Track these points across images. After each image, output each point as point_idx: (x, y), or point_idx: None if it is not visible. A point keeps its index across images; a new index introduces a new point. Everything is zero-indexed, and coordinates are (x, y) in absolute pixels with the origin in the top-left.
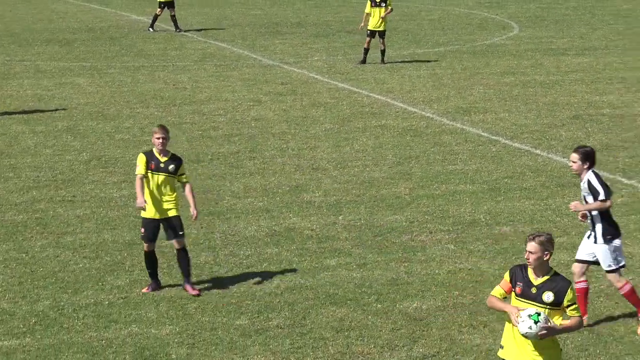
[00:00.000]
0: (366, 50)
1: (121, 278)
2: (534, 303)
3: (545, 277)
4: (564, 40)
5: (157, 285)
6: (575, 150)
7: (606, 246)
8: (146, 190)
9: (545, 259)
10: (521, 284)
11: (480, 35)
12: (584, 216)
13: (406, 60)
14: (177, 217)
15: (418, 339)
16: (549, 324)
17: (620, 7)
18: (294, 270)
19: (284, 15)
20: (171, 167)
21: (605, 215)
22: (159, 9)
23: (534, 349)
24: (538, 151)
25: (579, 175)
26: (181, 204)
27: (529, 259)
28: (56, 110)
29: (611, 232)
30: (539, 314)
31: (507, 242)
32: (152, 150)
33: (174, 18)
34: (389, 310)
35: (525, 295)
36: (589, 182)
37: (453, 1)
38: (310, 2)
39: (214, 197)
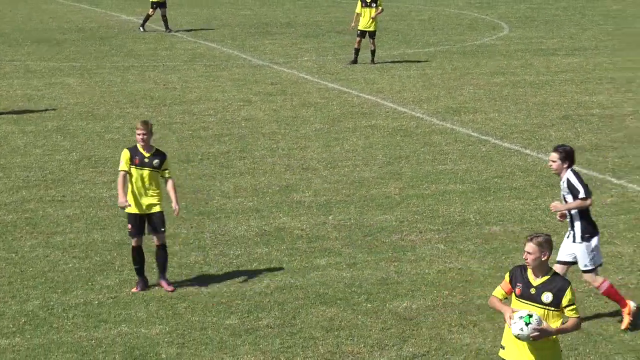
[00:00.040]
0: (357, 51)
1: (111, 278)
2: (534, 304)
3: (545, 278)
4: (554, 40)
5: (144, 282)
6: (555, 150)
7: (584, 245)
8: (131, 186)
9: (543, 259)
10: (521, 284)
11: (471, 35)
12: (563, 216)
13: (396, 60)
14: (161, 213)
15: (408, 338)
16: (543, 325)
17: (610, 8)
18: (283, 270)
19: (274, 16)
20: (155, 161)
21: (584, 214)
22: (151, 10)
23: (533, 349)
24: (528, 151)
25: (558, 174)
26: (166, 204)
27: (527, 260)
28: (46, 110)
29: (589, 230)
30: (531, 316)
31: (497, 242)
32: (136, 145)
33: (164, 18)
34: (379, 309)
35: (524, 296)
36: (569, 181)
37: (443, 1)
38: (300, 3)
39: (204, 197)
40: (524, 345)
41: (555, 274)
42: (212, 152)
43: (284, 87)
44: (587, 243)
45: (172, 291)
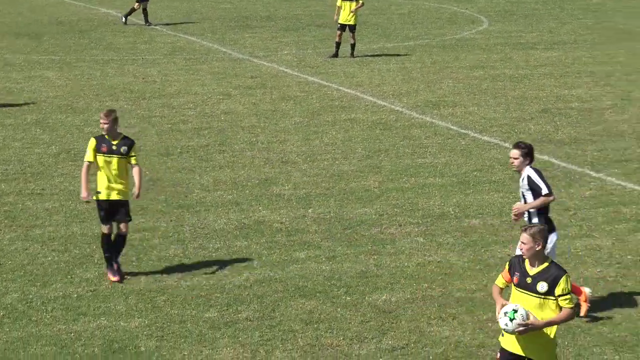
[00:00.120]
0: (338, 44)
1: (90, 271)
2: (530, 293)
3: (541, 267)
4: (533, 34)
5: (116, 270)
6: (516, 147)
7: None
8: (100, 173)
9: (537, 249)
10: (518, 274)
11: (450, 29)
12: (518, 215)
13: (376, 54)
14: (127, 202)
15: (387, 331)
16: (529, 320)
17: (590, 2)
18: (263, 263)
19: (254, 9)
20: (123, 148)
21: (542, 211)
22: (137, 3)
23: (526, 338)
24: (507, 144)
25: (519, 172)
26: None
27: (522, 250)
28: (25, 103)
29: (548, 227)
30: (516, 311)
31: (476, 235)
32: (103, 134)
33: (145, 12)
34: (358, 302)
35: (521, 285)
36: (529, 178)
37: None
38: None
39: (184, 190)
40: (517, 334)
41: (553, 263)
42: (191, 146)
43: (263, 81)
44: None
45: (117, 281)
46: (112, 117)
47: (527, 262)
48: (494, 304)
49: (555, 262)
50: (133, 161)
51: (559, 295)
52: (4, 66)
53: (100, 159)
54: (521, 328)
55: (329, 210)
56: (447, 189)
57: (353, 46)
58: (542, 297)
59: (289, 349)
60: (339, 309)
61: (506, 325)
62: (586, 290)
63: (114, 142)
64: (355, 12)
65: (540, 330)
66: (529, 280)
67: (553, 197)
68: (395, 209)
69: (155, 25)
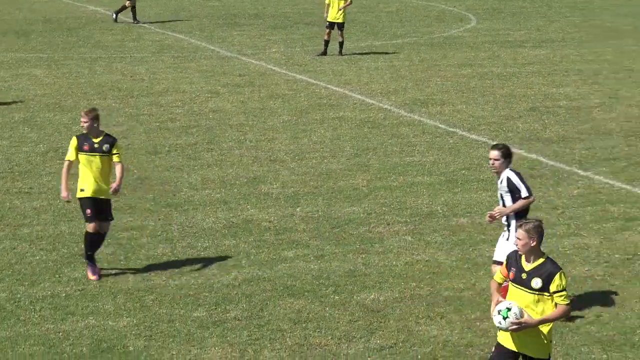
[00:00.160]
0: (326, 42)
1: (78, 270)
2: (525, 289)
3: (536, 263)
4: (521, 32)
5: (97, 268)
6: (496, 148)
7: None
8: (83, 172)
9: (532, 245)
10: (514, 269)
11: (438, 27)
12: (493, 217)
13: (364, 52)
14: (110, 201)
15: (375, 330)
16: (522, 319)
17: (577, 0)
18: (251, 262)
19: (242, 7)
20: (105, 146)
21: (522, 213)
22: (127, 1)
23: (521, 334)
24: (495, 143)
25: (498, 173)
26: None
27: (517, 246)
28: (13, 101)
29: None
30: (509, 309)
31: (464, 234)
32: (85, 132)
33: (133, 9)
34: (347, 301)
35: (517, 280)
36: (509, 180)
37: None
38: None
39: (172, 189)
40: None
41: (548, 259)
42: (179, 144)
43: (251, 79)
44: None
45: (97, 279)
46: (92, 115)
47: (523, 258)
48: (482, 303)
49: (551, 258)
50: (116, 159)
51: (554, 292)
52: None
53: (83, 157)
54: (514, 327)
55: (317, 209)
56: (435, 188)
57: (341, 44)
58: (537, 293)
59: (278, 349)
60: (327, 308)
61: (499, 323)
62: None
63: (96, 140)
64: (343, 10)
65: (535, 327)
66: (524, 275)
67: (533, 198)
68: (384, 208)
69: (144, 23)
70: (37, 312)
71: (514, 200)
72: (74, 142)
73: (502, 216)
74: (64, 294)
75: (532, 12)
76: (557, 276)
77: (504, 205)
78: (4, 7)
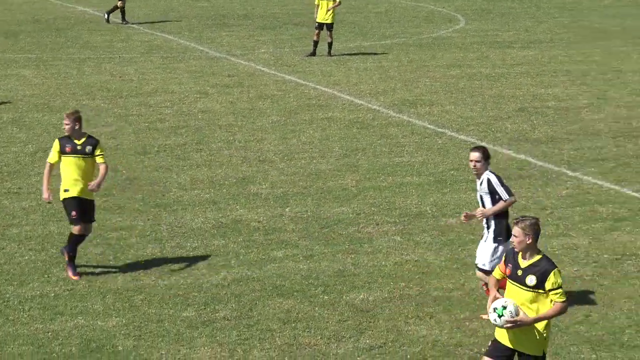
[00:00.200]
0: (315, 43)
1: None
2: (520, 285)
3: (532, 261)
4: (510, 33)
5: (75, 269)
6: (476, 150)
7: (493, 246)
8: (67, 173)
9: (528, 242)
10: (511, 265)
11: (427, 27)
12: (468, 217)
13: (353, 52)
14: (94, 203)
15: (365, 330)
16: (517, 317)
17: (566, 1)
18: (240, 262)
19: (231, 8)
20: (88, 148)
21: (500, 217)
22: (119, 1)
23: (517, 331)
24: (484, 143)
25: (479, 175)
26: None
27: (514, 243)
28: (1, 102)
29: (503, 234)
30: (505, 307)
31: (453, 234)
32: (67, 134)
33: (122, 10)
34: (336, 301)
35: (513, 277)
36: (489, 182)
37: None
38: None
39: (161, 189)
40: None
41: (544, 257)
42: (168, 144)
43: (240, 79)
44: (496, 245)
45: (78, 279)
46: (74, 117)
47: (520, 255)
48: (471, 303)
49: (547, 256)
50: (99, 160)
51: (550, 290)
52: None
53: (66, 159)
54: (509, 325)
55: (306, 209)
56: (424, 188)
57: (330, 45)
58: (531, 290)
59: (267, 348)
60: (316, 308)
61: (495, 320)
62: None
63: (78, 142)
64: (332, 11)
65: (531, 325)
66: (519, 272)
67: (514, 199)
68: (373, 208)
69: (132, 23)
70: (26, 312)
71: (494, 201)
72: (56, 144)
73: (483, 217)
74: (52, 294)
75: (520, 12)
76: (551, 274)
77: (483, 206)
78: None
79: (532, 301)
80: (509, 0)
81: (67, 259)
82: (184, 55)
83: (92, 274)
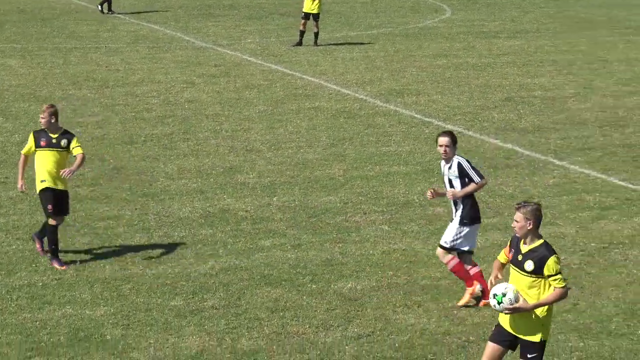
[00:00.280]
0: (302, 33)
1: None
2: (520, 271)
3: (532, 246)
4: (496, 23)
5: (60, 260)
6: (446, 134)
7: (458, 227)
8: (42, 166)
9: (528, 228)
10: (514, 250)
11: (413, 17)
12: (435, 194)
13: (339, 42)
14: (67, 193)
15: (353, 318)
16: (517, 304)
17: None
18: (228, 251)
19: None
20: (63, 142)
21: (469, 199)
22: None
23: (517, 316)
24: (471, 133)
25: (448, 159)
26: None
27: (514, 228)
28: None
29: (470, 217)
30: (504, 294)
31: (441, 223)
32: (43, 128)
33: (109, 0)
34: (324, 290)
35: (514, 262)
36: (460, 166)
37: None
38: None
39: (148, 179)
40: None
41: (544, 243)
42: (155, 134)
43: (227, 69)
44: (461, 226)
45: (64, 269)
46: (50, 111)
47: (522, 240)
48: (459, 292)
49: (548, 242)
50: (77, 151)
51: (549, 276)
52: None
53: (40, 152)
54: (507, 312)
55: (293, 199)
56: (412, 177)
57: (316, 35)
58: (529, 275)
59: (255, 337)
60: (304, 297)
61: (494, 306)
62: (477, 287)
63: (54, 136)
64: (319, 1)
65: (531, 311)
66: (520, 257)
67: (486, 181)
68: (360, 197)
69: (118, 13)
70: (14, 301)
71: (463, 184)
72: (31, 137)
73: (454, 198)
74: (40, 283)
75: (506, 3)
76: (549, 260)
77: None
78: None
79: (532, 287)
80: None
81: (50, 254)
82: (170, 45)
83: (80, 263)
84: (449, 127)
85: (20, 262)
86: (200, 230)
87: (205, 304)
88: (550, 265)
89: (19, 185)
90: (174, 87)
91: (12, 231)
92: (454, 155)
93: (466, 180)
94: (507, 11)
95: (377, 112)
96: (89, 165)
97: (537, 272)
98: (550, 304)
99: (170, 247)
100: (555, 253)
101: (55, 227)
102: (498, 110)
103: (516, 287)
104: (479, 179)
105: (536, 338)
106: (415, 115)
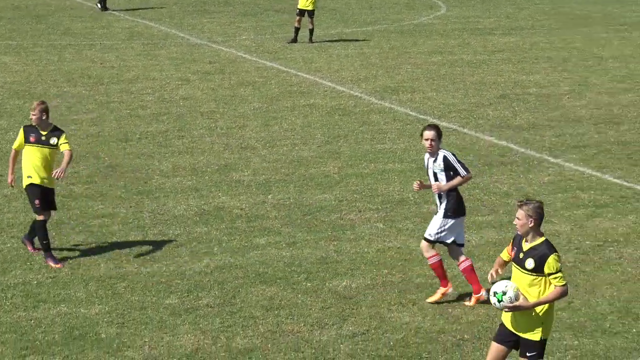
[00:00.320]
0: (297, 29)
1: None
2: (521, 269)
3: (533, 244)
4: (491, 19)
5: (54, 257)
6: (432, 128)
7: (442, 219)
8: (29, 162)
9: (530, 226)
10: (516, 248)
11: (408, 14)
12: (422, 186)
13: (334, 39)
14: (53, 191)
15: (348, 317)
16: (517, 302)
17: None
18: (223, 249)
19: None
20: (52, 139)
21: (452, 193)
22: None
23: (517, 315)
24: (465, 130)
25: (433, 153)
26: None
27: (516, 225)
28: None
29: (454, 209)
30: (504, 293)
31: None
32: (33, 124)
33: None
34: (319, 288)
35: (515, 260)
36: (446, 159)
37: None
38: None
39: (143, 176)
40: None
41: (545, 242)
42: (150, 131)
43: (222, 66)
44: (445, 219)
45: (60, 267)
46: (41, 108)
47: (524, 238)
48: (454, 290)
49: (549, 240)
50: (64, 147)
51: (549, 274)
52: None
53: (29, 148)
54: (507, 310)
55: (288, 196)
56: (407, 175)
57: (311, 32)
58: (530, 273)
59: (250, 335)
60: (299, 295)
61: (494, 304)
62: (449, 288)
63: (43, 133)
64: None
65: (531, 309)
66: (521, 255)
67: (471, 174)
68: (355, 195)
69: (113, 10)
70: (9, 299)
71: (448, 178)
72: (21, 132)
73: (439, 191)
74: (35, 282)
75: None
76: (549, 259)
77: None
78: None
79: (533, 285)
80: None
81: (43, 251)
82: (165, 42)
83: (75, 261)
84: (444, 124)
85: (15, 260)
86: (195, 228)
87: (200, 302)
88: (551, 263)
89: (8, 180)
90: (168, 84)
91: (6, 229)
92: (439, 148)
93: (451, 173)
94: (502, 8)
95: (372, 110)
96: (83, 163)
97: (538, 270)
98: (550, 302)
99: (165, 245)
100: (556, 251)
101: (43, 222)
102: (493, 108)
103: (517, 285)
104: (465, 172)
105: (536, 337)
106: (410, 113)
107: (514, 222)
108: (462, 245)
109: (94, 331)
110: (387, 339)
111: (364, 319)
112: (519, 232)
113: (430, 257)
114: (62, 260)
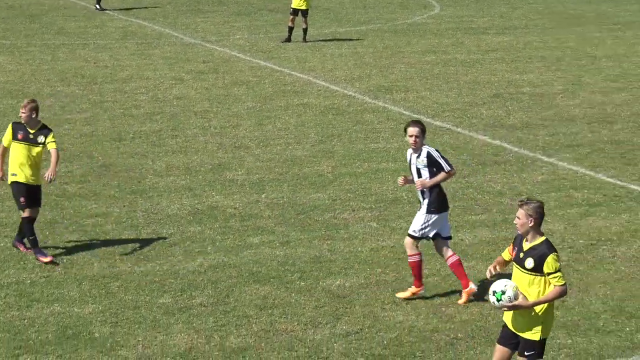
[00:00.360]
0: (290, 29)
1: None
2: (521, 268)
3: (533, 244)
4: (485, 19)
5: (43, 251)
6: (416, 124)
7: (425, 215)
8: (16, 159)
9: (530, 225)
10: (517, 248)
11: (402, 14)
12: (406, 181)
13: (328, 38)
14: (40, 188)
15: (341, 316)
16: (516, 302)
17: None
18: (217, 249)
19: None
20: (40, 138)
21: (438, 188)
22: None
23: (517, 314)
24: (459, 129)
25: (417, 149)
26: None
27: (516, 225)
28: None
29: (437, 205)
30: (504, 292)
31: None
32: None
33: None
34: (312, 287)
35: (516, 259)
36: (430, 155)
37: None
38: None
39: (136, 176)
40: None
41: (545, 241)
42: (144, 131)
43: (215, 66)
44: (428, 215)
45: (50, 262)
46: (30, 106)
47: (525, 238)
48: (447, 289)
49: (549, 240)
50: (51, 146)
51: (548, 274)
52: None
53: (16, 145)
54: (505, 309)
55: (282, 196)
56: (400, 174)
57: (305, 31)
58: (530, 273)
59: (244, 335)
60: (293, 294)
61: (493, 303)
62: (422, 289)
63: (32, 131)
64: None
65: (530, 309)
66: (521, 255)
67: (455, 170)
68: (349, 194)
69: (107, 9)
70: (2, 299)
71: (432, 174)
72: (9, 129)
73: (422, 187)
74: (29, 281)
75: None
76: (548, 258)
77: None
78: None
79: (533, 284)
80: None
81: (31, 247)
82: (159, 41)
83: (68, 260)
84: (438, 123)
85: (8, 260)
86: (188, 227)
87: (193, 301)
88: (550, 262)
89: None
90: (162, 84)
91: None
92: (423, 144)
93: (434, 169)
94: (495, 7)
95: (365, 109)
96: (77, 162)
97: (537, 269)
98: (549, 301)
99: (158, 244)
100: (555, 251)
101: (29, 219)
102: (486, 107)
103: (517, 285)
104: (449, 168)
105: (535, 336)
106: (404, 112)
107: (514, 222)
108: (449, 238)
109: (88, 330)
110: (381, 338)
111: (358, 318)
112: (519, 232)
113: (412, 255)
114: (53, 257)
